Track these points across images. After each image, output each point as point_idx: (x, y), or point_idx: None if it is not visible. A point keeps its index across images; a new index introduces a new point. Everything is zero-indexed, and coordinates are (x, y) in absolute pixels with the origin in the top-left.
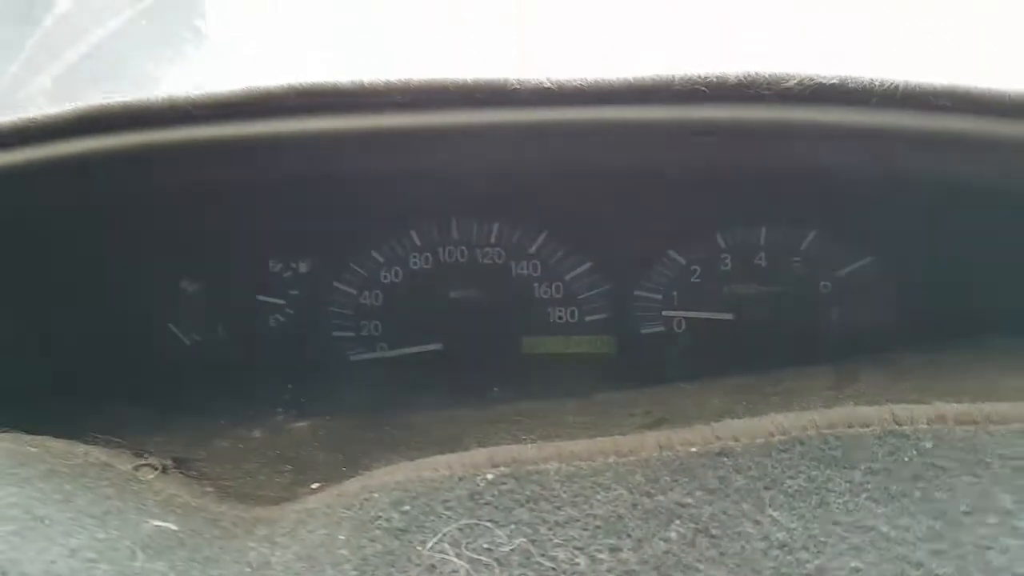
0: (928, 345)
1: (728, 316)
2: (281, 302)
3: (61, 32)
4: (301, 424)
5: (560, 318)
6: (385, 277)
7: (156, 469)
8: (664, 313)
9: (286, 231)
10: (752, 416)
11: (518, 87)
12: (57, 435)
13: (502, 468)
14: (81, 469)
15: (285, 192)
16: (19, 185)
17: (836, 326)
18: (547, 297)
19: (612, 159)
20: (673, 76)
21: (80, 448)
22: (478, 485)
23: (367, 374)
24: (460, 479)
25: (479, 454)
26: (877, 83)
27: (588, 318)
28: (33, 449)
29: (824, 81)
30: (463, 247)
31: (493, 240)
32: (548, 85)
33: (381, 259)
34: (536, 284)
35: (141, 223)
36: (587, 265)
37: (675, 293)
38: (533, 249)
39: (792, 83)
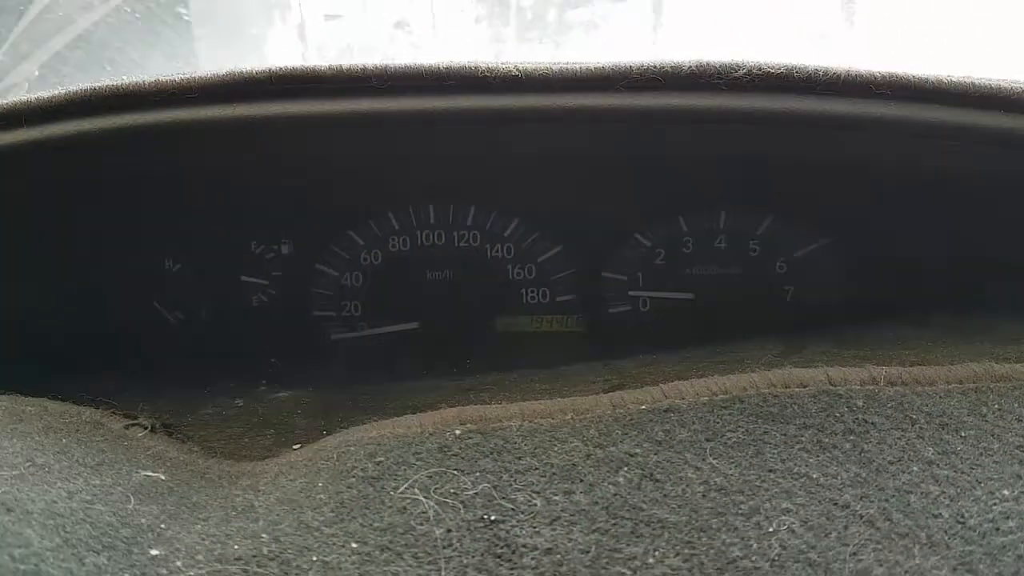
0: (875, 320)
1: (689, 296)
2: (264, 282)
3: (47, 21)
4: (283, 394)
5: (532, 299)
6: (365, 259)
7: (145, 428)
8: (630, 293)
9: (268, 213)
10: (702, 380)
11: (488, 75)
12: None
13: (469, 425)
14: (76, 426)
15: (266, 175)
16: (11, 164)
17: (790, 304)
18: (520, 279)
19: (577, 145)
20: (631, 65)
21: (74, 408)
22: (447, 439)
23: (349, 352)
24: (431, 434)
25: (448, 413)
26: (821, 72)
27: (559, 298)
28: (31, 408)
29: (771, 70)
30: (440, 231)
31: (469, 224)
32: (515, 73)
33: (361, 242)
34: (510, 266)
35: (127, 203)
36: (558, 248)
37: (640, 274)
38: (507, 233)
39: (741, 72)
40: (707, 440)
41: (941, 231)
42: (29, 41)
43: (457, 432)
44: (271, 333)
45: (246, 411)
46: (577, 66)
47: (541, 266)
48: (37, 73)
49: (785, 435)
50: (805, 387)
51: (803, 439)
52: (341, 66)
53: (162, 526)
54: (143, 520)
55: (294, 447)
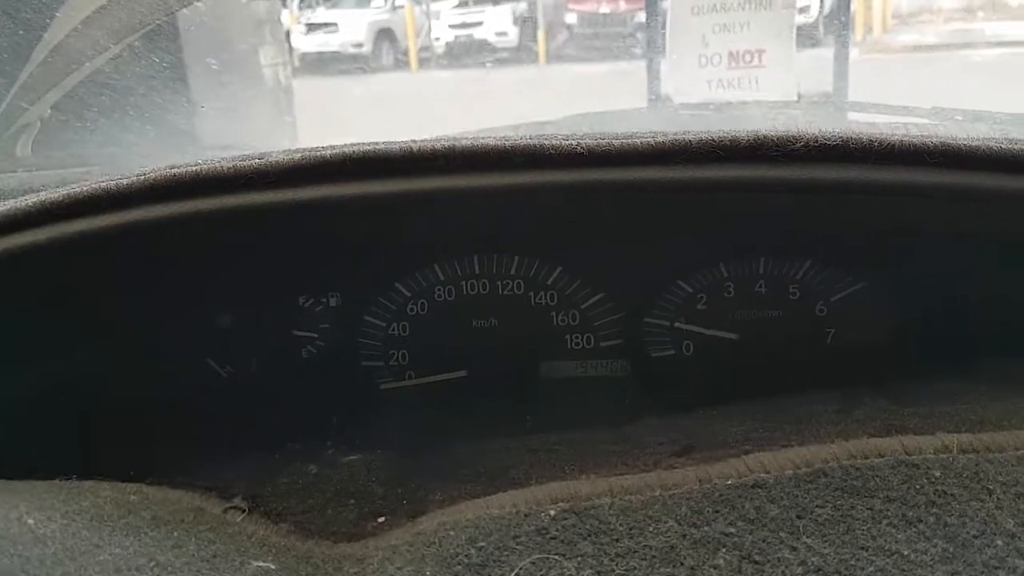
0: (920, 368)
1: (733, 336)
2: (313, 335)
3: (58, 62)
4: (353, 458)
5: (576, 344)
6: (411, 310)
7: (243, 511)
8: (675, 325)
9: (316, 269)
10: (771, 443)
11: (552, 152)
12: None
13: (561, 504)
14: (180, 514)
15: (319, 236)
16: (92, 250)
17: (832, 346)
18: (564, 325)
19: (633, 214)
20: (690, 139)
21: (173, 494)
22: (543, 521)
23: (400, 403)
24: (526, 516)
25: (539, 491)
26: (876, 142)
27: (603, 343)
28: (133, 497)
29: (828, 141)
30: (484, 280)
31: (512, 273)
32: (579, 150)
33: (407, 293)
34: (553, 313)
35: (190, 270)
36: (601, 295)
37: (683, 319)
38: (550, 281)
39: (799, 145)
40: (798, 517)
41: (984, 275)
42: (40, 83)
43: (552, 513)
44: (323, 385)
45: (321, 478)
46: (638, 141)
47: (584, 312)
48: (50, 113)
49: (871, 509)
50: (882, 457)
51: (889, 513)
52: (411, 147)
53: None
54: None
55: (379, 520)
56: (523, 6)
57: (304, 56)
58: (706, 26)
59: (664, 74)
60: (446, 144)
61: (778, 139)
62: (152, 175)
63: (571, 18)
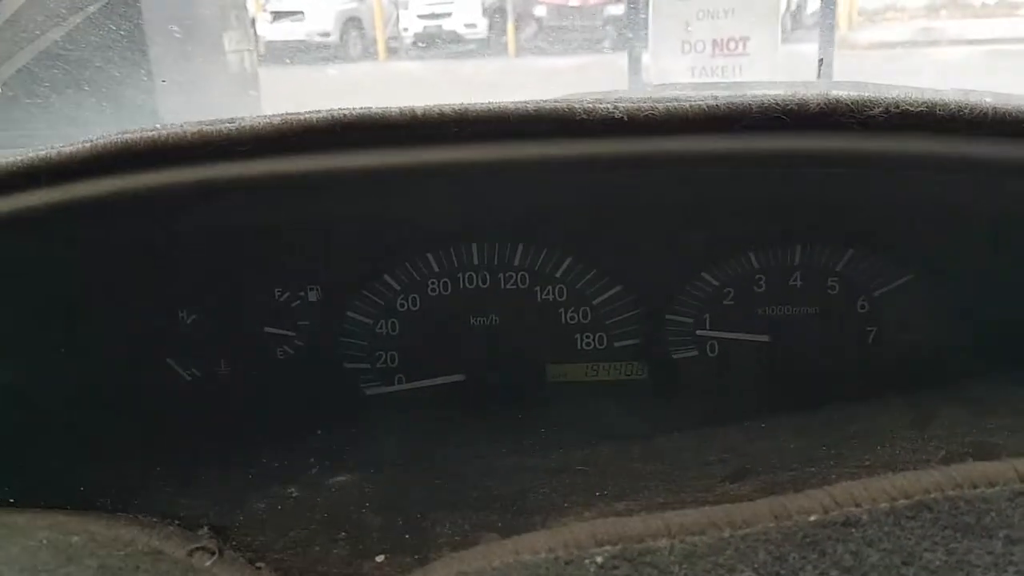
0: (985, 371)
1: (764, 338)
2: (290, 333)
3: (11, 35)
4: (342, 478)
5: (588, 344)
6: (401, 305)
7: (212, 554)
8: (698, 333)
9: (294, 257)
10: (842, 464)
11: (586, 117)
12: (71, 501)
13: (608, 548)
14: (134, 561)
15: (298, 218)
16: (26, 230)
17: (873, 348)
18: (574, 323)
19: (666, 193)
20: (750, 103)
21: (126, 532)
22: (587, 571)
23: (392, 412)
24: (566, 563)
25: (580, 531)
26: (966, 109)
27: (617, 344)
28: (76, 538)
29: (910, 107)
30: (484, 272)
31: (516, 264)
32: (617, 115)
33: (397, 286)
34: (562, 309)
35: (143, 254)
36: (616, 289)
37: (708, 316)
38: (559, 273)
39: (877, 110)
40: (904, 564)
41: None
42: None
43: (598, 559)
44: (301, 390)
45: (305, 504)
46: (687, 105)
47: (597, 309)
48: (1, 91)
49: (992, 553)
50: (995, 486)
51: (1015, 558)
52: (415, 111)
53: None
54: None
55: (377, 558)
56: None
57: (270, 44)
58: (690, 11)
59: (645, 64)
60: (457, 108)
61: (853, 103)
62: (100, 142)
63: (540, 10)
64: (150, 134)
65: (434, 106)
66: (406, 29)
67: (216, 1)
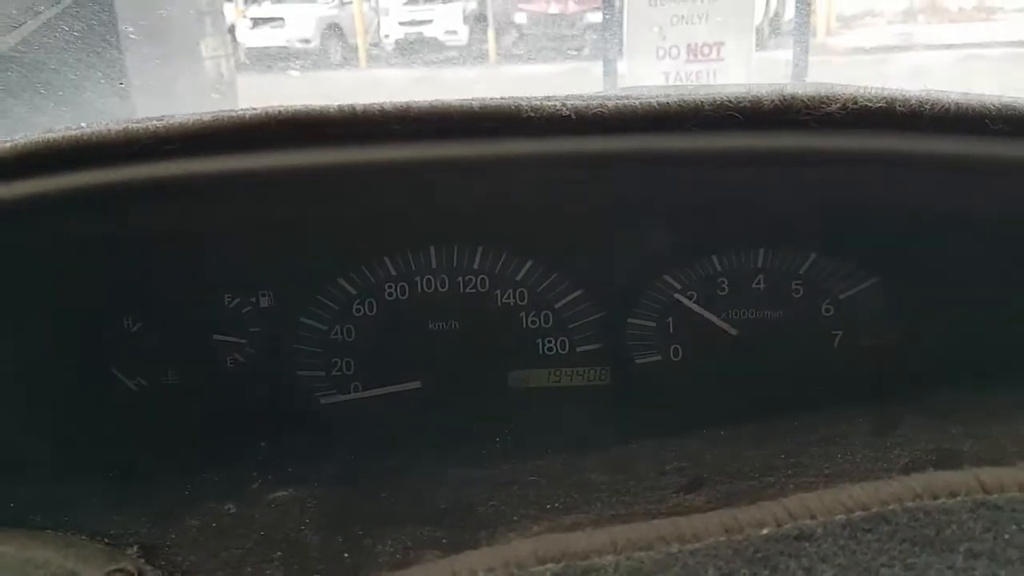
0: (951, 378)
1: (728, 342)
2: (241, 340)
3: None
4: (282, 493)
5: (550, 349)
6: (357, 310)
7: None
8: (660, 337)
9: (245, 261)
10: (801, 472)
11: (532, 115)
12: (1, 518)
13: (551, 565)
14: None
15: (244, 222)
16: None
17: (838, 352)
18: (535, 327)
19: (622, 193)
20: (702, 100)
21: (41, 554)
22: None
23: (343, 421)
24: None
25: (521, 548)
26: (927, 104)
27: (579, 348)
28: None
29: (869, 103)
30: (443, 275)
31: (475, 267)
32: (565, 112)
33: (352, 290)
34: (523, 314)
35: (77, 258)
36: (578, 292)
37: (671, 320)
38: (519, 276)
39: (834, 107)
40: None
41: (1011, 275)
42: None
43: None
44: (250, 400)
45: (242, 521)
46: (637, 103)
47: (558, 313)
48: None
49: (952, 568)
50: (956, 496)
51: (976, 573)
52: (354, 108)
53: None
54: None
55: None
56: (473, 5)
57: (250, 51)
58: (664, 17)
59: (621, 71)
60: (398, 106)
61: (809, 100)
62: (21, 142)
63: (520, 18)
64: (73, 133)
65: (375, 103)
66: (387, 36)
67: (193, 6)
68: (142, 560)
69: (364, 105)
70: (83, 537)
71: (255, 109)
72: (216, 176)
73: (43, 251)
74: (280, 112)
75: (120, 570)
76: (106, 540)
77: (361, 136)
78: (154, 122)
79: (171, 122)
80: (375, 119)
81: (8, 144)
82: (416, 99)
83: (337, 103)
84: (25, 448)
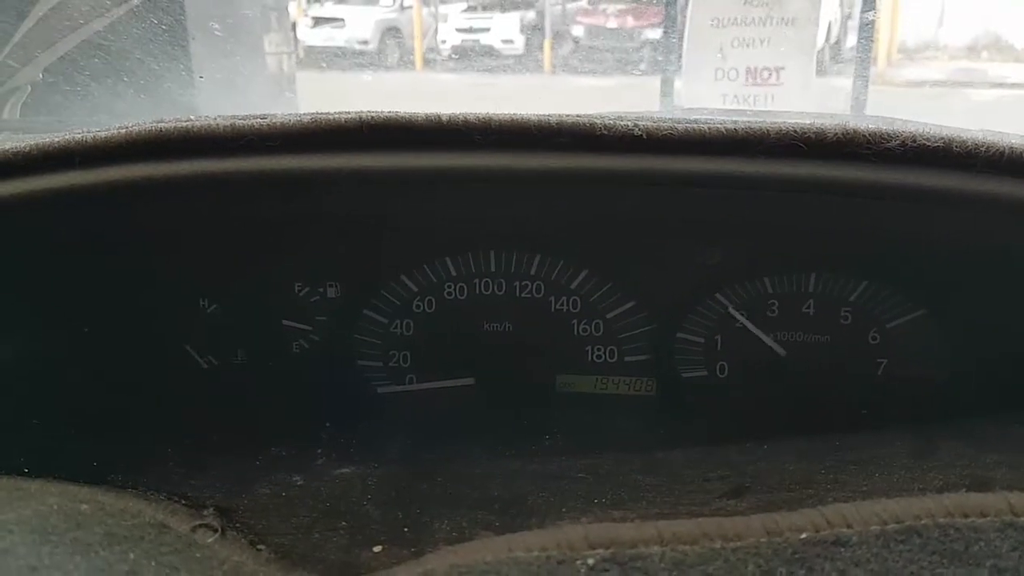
0: (994, 410)
1: (775, 363)
2: (307, 328)
3: (54, 22)
4: (346, 470)
5: (599, 357)
6: (417, 306)
7: (215, 531)
8: (709, 353)
9: (315, 253)
10: (840, 487)
11: (605, 133)
12: (83, 475)
13: (600, 551)
14: (140, 531)
15: (321, 215)
16: (58, 210)
17: (881, 379)
18: (586, 335)
19: (683, 212)
20: (767, 129)
21: (134, 505)
22: (578, 572)
23: (399, 410)
24: (559, 563)
25: (573, 532)
26: (983, 147)
27: (628, 358)
28: (85, 506)
29: (927, 142)
30: (501, 279)
31: (532, 273)
32: (636, 133)
33: (414, 287)
34: (575, 321)
35: (168, 238)
36: (630, 304)
37: (719, 337)
38: (574, 285)
39: (894, 143)
40: None
41: None
42: (34, 43)
43: (590, 562)
44: (314, 384)
45: (309, 492)
46: (706, 127)
47: (610, 323)
48: (41, 77)
49: None
50: (986, 517)
51: None
52: (440, 117)
53: None
54: None
55: (375, 548)
56: (531, 15)
57: (309, 49)
58: (725, 39)
59: (678, 88)
60: (481, 116)
61: (870, 135)
62: (135, 128)
63: (578, 30)
64: (183, 124)
65: (459, 114)
66: (444, 41)
67: (259, 3)
68: (220, 519)
69: (449, 115)
70: (162, 496)
71: (349, 113)
72: (310, 173)
73: (140, 231)
74: (372, 117)
75: (206, 525)
76: (183, 501)
77: (444, 143)
78: (257, 120)
79: (273, 120)
80: (458, 128)
81: (123, 130)
82: (495, 111)
83: (424, 112)
84: (107, 411)
